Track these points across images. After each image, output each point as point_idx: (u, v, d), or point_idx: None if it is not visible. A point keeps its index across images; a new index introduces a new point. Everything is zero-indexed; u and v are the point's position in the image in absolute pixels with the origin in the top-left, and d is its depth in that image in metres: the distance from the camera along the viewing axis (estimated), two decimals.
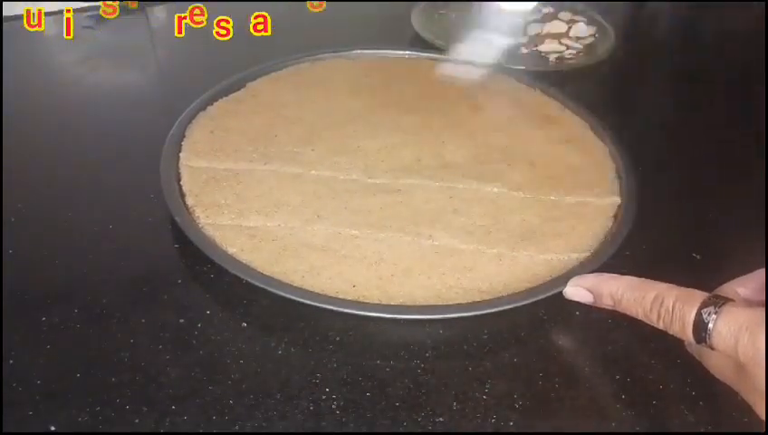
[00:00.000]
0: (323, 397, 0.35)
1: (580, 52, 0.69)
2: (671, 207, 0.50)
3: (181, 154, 0.48)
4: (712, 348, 0.31)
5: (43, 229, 0.45)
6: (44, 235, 0.44)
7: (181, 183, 0.46)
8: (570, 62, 0.67)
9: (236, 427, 0.34)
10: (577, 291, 0.38)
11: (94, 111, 0.58)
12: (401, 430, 0.34)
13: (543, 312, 0.41)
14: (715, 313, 0.31)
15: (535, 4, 0.76)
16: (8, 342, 0.37)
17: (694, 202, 0.51)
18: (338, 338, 0.39)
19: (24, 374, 0.36)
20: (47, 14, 0.69)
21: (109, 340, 0.38)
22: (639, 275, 0.35)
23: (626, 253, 0.44)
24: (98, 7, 0.70)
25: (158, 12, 0.72)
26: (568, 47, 0.70)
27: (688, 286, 0.33)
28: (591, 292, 0.37)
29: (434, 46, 0.67)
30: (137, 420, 0.34)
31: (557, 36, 0.71)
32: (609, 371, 0.38)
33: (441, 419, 0.35)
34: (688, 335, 0.32)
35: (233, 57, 0.64)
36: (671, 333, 0.33)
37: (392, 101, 0.57)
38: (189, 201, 0.45)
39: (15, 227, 0.45)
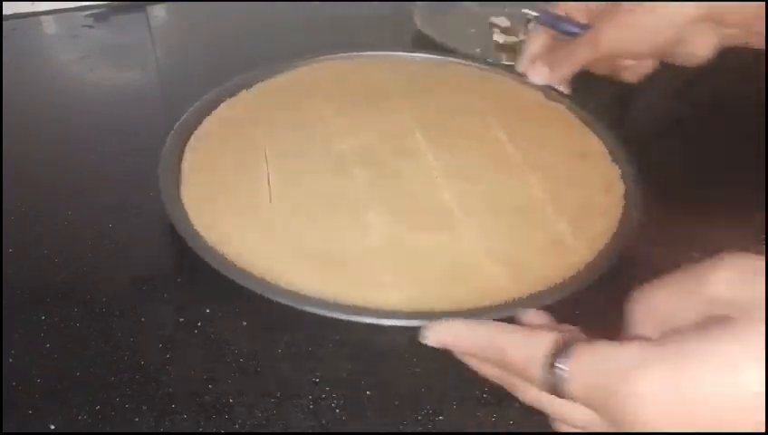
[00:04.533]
0: (323, 396, 0.35)
1: None
2: (672, 206, 0.50)
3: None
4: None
5: (43, 229, 0.45)
6: (44, 234, 0.44)
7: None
8: None
9: (236, 426, 0.34)
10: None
11: (94, 111, 0.58)
12: (401, 429, 0.34)
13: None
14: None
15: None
16: (8, 341, 0.37)
17: (695, 202, 0.51)
18: (338, 337, 0.38)
19: (24, 374, 0.36)
20: (47, 12, 0.69)
21: (108, 339, 0.38)
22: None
23: (626, 255, 0.44)
24: (98, 6, 0.70)
25: (158, 11, 0.72)
26: None
27: None
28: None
29: (436, 44, 0.67)
30: (137, 420, 0.34)
31: None
32: None
33: (441, 418, 0.35)
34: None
35: (232, 57, 0.64)
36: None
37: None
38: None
39: (15, 227, 0.45)
